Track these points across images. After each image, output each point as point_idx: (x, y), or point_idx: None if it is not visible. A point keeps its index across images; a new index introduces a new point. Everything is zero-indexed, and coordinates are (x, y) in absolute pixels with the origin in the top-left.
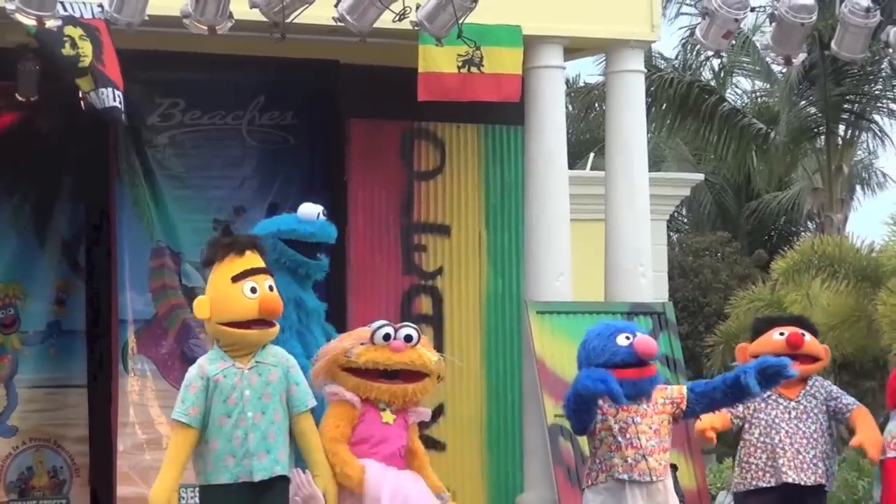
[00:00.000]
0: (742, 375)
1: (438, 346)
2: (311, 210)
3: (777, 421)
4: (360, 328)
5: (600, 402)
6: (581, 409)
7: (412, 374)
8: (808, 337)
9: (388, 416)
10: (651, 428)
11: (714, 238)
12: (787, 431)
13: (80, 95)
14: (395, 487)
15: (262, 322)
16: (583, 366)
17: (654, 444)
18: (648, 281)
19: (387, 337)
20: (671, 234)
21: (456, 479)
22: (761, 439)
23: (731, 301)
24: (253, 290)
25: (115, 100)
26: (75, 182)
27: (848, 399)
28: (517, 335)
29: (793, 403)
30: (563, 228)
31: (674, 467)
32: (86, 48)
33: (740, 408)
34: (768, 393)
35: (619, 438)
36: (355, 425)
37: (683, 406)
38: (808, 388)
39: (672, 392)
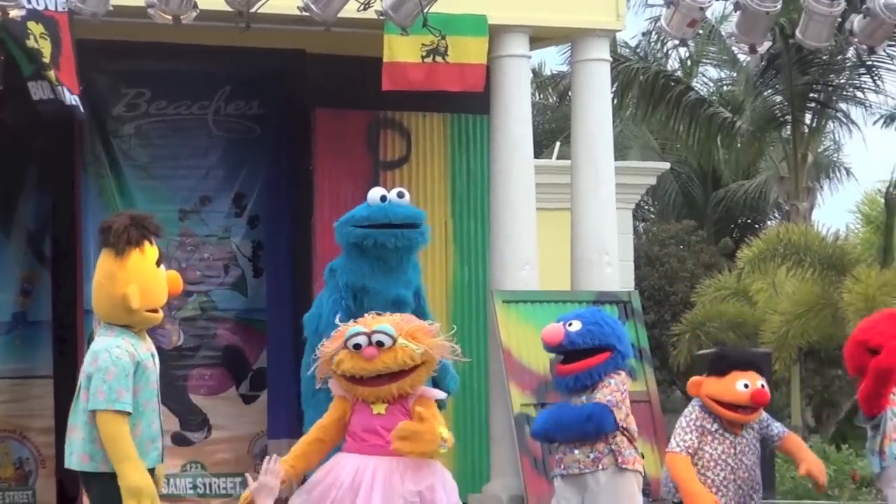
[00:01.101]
0: None
1: None
2: (374, 194)
3: (723, 457)
4: (348, 325)
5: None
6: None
7: (396, 373)
8: (766, 387)
9: (378, 408)
10: None
11: (680, 227)
12: (732, 468)
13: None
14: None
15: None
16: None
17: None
18: (614, 270)
19: (357, 346)
20: (637, 223)
21: None
22: (706, 473)
23: (698, 290)
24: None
25: (70, 102)
26: (40, 173)
27: (777, 426)
28: (483, 324)
29: (738, 439)
30: (528, 217)
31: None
32: (45, 48)
33: (688, 440)
34: (716, 427)
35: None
36: (349, 416)
37: (620, 395)
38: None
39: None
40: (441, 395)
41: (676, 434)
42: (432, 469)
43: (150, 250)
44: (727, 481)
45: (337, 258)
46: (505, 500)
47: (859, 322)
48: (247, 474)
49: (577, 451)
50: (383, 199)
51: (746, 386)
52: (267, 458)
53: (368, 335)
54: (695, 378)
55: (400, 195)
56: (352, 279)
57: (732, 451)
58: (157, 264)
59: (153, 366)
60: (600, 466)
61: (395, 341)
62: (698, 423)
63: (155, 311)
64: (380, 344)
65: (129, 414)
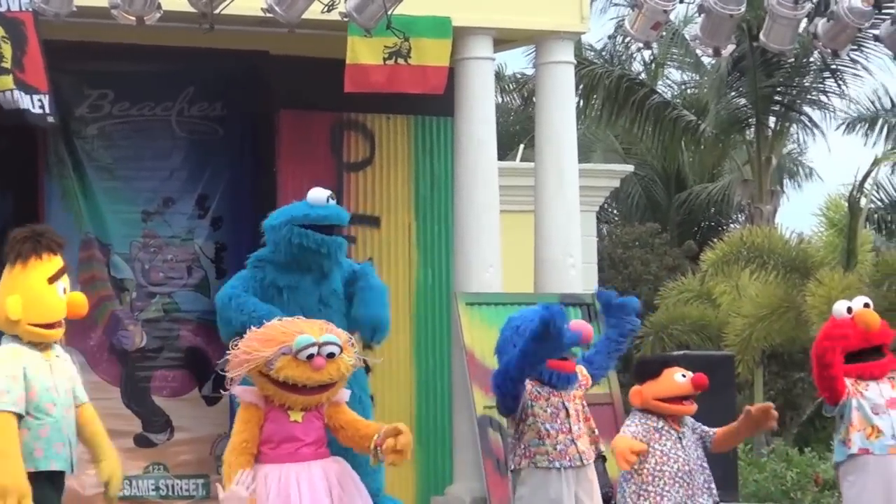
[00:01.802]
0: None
1: None
2: (320, 195)
3: (673, 450)
4: (285, 328)
5: (529, 387)
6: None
7: (329, 384)
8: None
9: (295, 415)
10: (576, 413)
11: (644, 229)
12: (683, 459)
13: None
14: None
15: (60, 322)
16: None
17: (578, 428)
18: (578, 272)
19: (310, 356)
20: (600, 225)
21: (386, 470)
22: (658, 467)
23: (661, 292)
24: (64, 291)
25: (34, 105)
26: (2, 174)
27: (706, 427)
28: (447, 326)
29: (680, 433)
30: (492, 219)
31: (603, 458)
32: (7, 51)
33: (635, 430)
34: (661, 423)
35: (551, 425)
36: (262, 425)
37: (589, 383)
38: (684, 420)
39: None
40: (346, 396)
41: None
42: (344, 467)
43: (44, 265)
44: (681, 472)
45: (262, 252)
46: (468, 502)
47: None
48: (218, 485)
49: (580, 443)
50: (328, 200)
51: (684, 376)
52: (240, 471)
53: (319, 346)
54: (634, 388)
55: (333, 197)
56: (278, 278)
57: (680, 444)
58: (52, 280)
59: (46, 371)
60: (591, 458)
61: (341, 351)
62: (643, 421)
63: (47, 326)
64: (330, 355)
65: (16, 414)
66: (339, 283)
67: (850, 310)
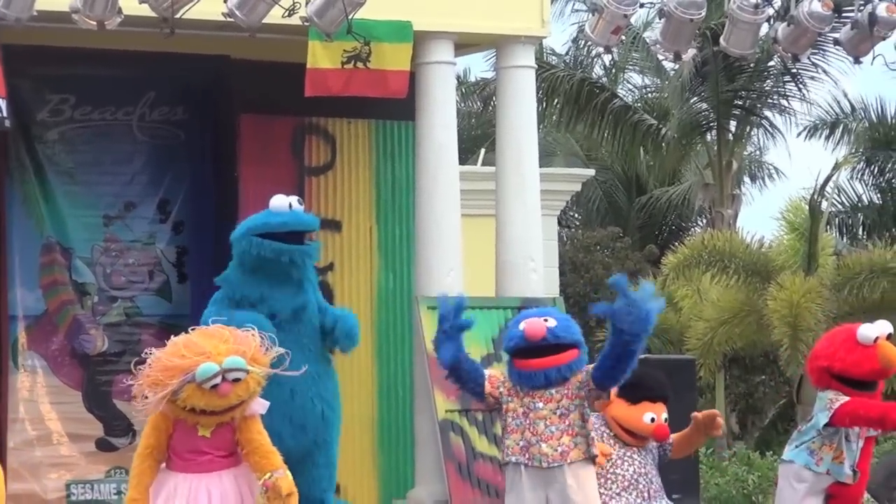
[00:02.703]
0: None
1: None
2: (281, 202)
3: (628, 454)
4: (187, 353)
5: (508, 385)
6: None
7: (237, 404)
8: (667, 421)
9: (204, 430)
10: (555, 413)
11: (605, 233)
12: (640, 462)
13: None
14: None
15: None
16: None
17: (553, 429)
18: (539, 276)
19: (214, 386)
20: (561, 229)
21: (347, 474)
22: (613, 470)
23: None
24: None
25: None
26: None
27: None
28: (408, 331)
29: (643, 452)
30: (453, 224)
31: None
32: None
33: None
34: (623, 450)
35: (520, 421)
36: (171, 433)
37: (591, 385)
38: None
39: (583, 375)
40: (262, 409)
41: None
42: (248, 475)
43: None
44: (637, 475)
45: (227, 271)
46: None
47: (818, 340)
48: None
49: (544, 445)
50: (290, 206)
51: (653, 420)
52: None
53: (223, 373)
54: (602, 402)
55: (300, 202)
56: (249, 291)
57: (633, 451)
58: None
59: None
60: (568, 460)
61: (247, 373)
62: (604, 425)
63: None
64: (235, 380)
65: None
66: (313, 293)
67: (876, 339)
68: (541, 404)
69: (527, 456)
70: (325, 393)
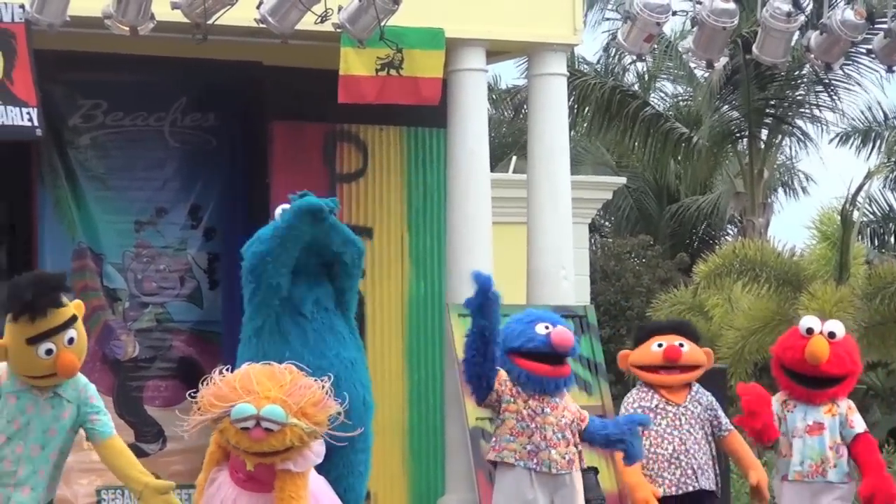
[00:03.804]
0: (625, 444)
1: None
2: (281, 210)
3: (668, 430)
4: (237, 386)
5: (510, 385)
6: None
7: (275, 451)
8: (686, 347)
9: (249, 465)
10: (559, 422)
11: (636, 241)
12: (680, 439)
13: None
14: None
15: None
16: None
17: (559, 437)
18: (570, 284)
19: (245, 429)
20: (593, 237)
21: (378, 481)
22: (652, 450)
23: (653, 304)
24: (48, 352)
25: (23, 119)
26: None
27: (725, 420)
28: (439, 338)
29: (681, 409)
30: (485, 231)
31: (595, 470)
32: None
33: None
34: (655, 402)
35: (526, 423)
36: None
37: (583, 427)
38: (693, 393)
39: (581, 412)
40: (317, 459)
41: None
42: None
43: (25, 327)
44: (677, 452)
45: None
46: None
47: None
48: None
49: (553, 451)
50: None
51: (661, 346)
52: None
53: (257, 419)
54: (623, 352)
55: None
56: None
57: (677, 422)
58: (32, 342)
59: (23, 406)
60: (574, 468)
61: (283, 425)
62: (636, 405)
63: (32, 377)
64: (268, 430)
65: None
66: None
67: (810, 331)
68: (548, 410)
69: (535, 461)
70: (364, 379)
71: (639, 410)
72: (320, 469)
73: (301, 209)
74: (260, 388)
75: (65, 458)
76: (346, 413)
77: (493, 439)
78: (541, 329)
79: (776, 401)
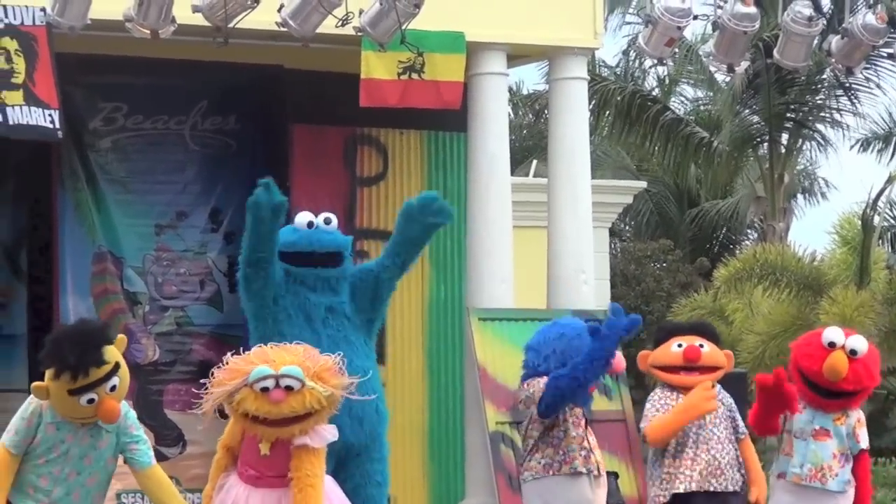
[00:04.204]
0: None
1: (380, 353)
2: (302, 219)
3: (693, 429)
4: (251, 359)
5: None
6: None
7: (298, 416)
8: (706, 348)
9: (264, 448)
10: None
11: (656, 246)
12: (703, 439)
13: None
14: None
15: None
16: (550, 359)
17: (594, 440)
18: (591, 288)
19: (265, 389)
20: (613, 241)
21: (398, 485)
22: (679, 449)
23: (674, 309)
24: (90, 401)
25: (45, 120)
26: (17, 186)
27: (741, 424)
28: (459, 342)
29: (714, 433)
30: (505, 235)
31: (615, 475)
32: (20, 65)
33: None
34: (696, 433)
35: (577, 433)
36: (241, 439)
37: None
38: (715, 393)
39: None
40: (331, 436)
41: (645, 415)
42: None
43: (67, 382)
44: (701, 451)
45: None
46: None
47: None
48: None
49: (597, 453)
50: (310, 225)
51: (680, 346)
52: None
53: (276, 378)
54: (643, 352)
55: (327, 221)
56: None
57: (702, 420)
58: (74, 394)
59: (63, 436)
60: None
61: (303, 384)
62: (662, 402)
63: (74, 417)
64: (288, 388)
65: (12, 454)
66: (346, 295)
67: (832, 345)
68: (587, 415)
69: (591, 464)
70: (376, 387)
71: (663, 410)
72: (337, 479)
73: (250, 206)
74: (276, 357)
75: (106, 483)
76: (360, 421)
77: (556, 454)
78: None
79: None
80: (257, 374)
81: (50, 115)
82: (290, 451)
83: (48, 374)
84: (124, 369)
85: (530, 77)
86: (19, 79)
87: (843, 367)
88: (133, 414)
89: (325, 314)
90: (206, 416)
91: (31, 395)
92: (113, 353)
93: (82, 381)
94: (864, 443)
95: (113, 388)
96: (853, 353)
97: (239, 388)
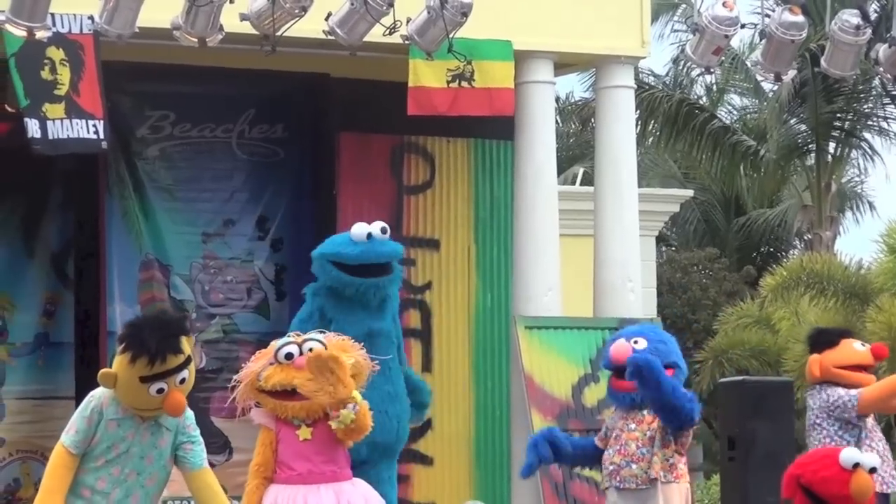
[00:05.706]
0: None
1: (427, 361)
2: (360, 230)
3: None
4: (267, 348)
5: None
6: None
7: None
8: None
9: (304, 433)
10: (646, 434)
11: (703, 254)
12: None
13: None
14: None
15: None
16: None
17: (644, 451)
18: (637, 296)
19: (289, 356)
20: (660, 249)
21: (443, 493)
22: (870, 444)
23: (720, 317)
24: (160, 391)
25: (89, 131)
26: (65, 194)
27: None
28: (506, 350)
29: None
30: (552, 243)
31: None
32: (64, 75)
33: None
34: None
35: (611, 447)
36: (275, 447)
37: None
38: None
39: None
40: (352, 409)
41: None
42: (363, 492)
43: (141, 367)
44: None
45: (316, 283)
46: None
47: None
48: None
49: (634, 466)
50: (369, 236)
51: (863, 345)
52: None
53: (299, 345)
54: (813, 357)
55: (383, 231)
56: (329, 307)
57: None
58: (145, 381)
59: (124, 433)
60: (660, 480)
61: (325, 348)
62: (844, 391)
63: (139, 409)
64: (311, 351)
65: (72, 454)
66: (390, 321)
67: (856, 466)
68: (633, 425)
69: (617, 478)
70: (401, 412)
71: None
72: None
73: None
74: (296, 337)
75: (163, 486)
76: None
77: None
78: (610, 347)
79: None
80: (280, 344)
81: (94, 125)
82: (333, 430)
83: (121, 360)
84: (193, 365)
85: (575, 86)
86: (62, 90)
87: (870, 487)
88: (192, 414)
89: (363, 338)
90: (243, 409)
91: (91, 393)
92: (188, 345)
93: (159, 367)
94: None
95: (182, 381)
96: (873, 470)
97: (265, 367)
